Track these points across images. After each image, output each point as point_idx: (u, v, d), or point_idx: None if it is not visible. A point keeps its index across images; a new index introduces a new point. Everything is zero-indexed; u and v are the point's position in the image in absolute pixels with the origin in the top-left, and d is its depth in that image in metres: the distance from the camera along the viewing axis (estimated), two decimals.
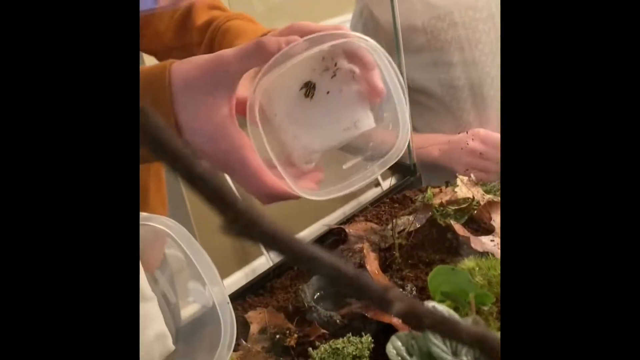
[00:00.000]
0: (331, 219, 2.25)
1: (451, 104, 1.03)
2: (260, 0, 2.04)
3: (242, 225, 0.16)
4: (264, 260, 2.00)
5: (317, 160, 0.54)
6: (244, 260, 2.03)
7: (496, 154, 0.89)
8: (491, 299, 0.46)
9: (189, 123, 0.45)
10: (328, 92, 0.51)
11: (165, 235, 0.52)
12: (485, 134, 0.91)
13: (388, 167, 0.55)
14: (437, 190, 0.69)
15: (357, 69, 0.51)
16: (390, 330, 0.51)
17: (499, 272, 0.52)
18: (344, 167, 0.56)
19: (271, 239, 0.17)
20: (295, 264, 0.16)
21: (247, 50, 0.45)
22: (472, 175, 0.66)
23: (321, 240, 0.70)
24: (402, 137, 0.53)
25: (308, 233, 2.22)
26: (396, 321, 0.51)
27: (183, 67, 0.46)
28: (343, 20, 2.17)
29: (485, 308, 0.46)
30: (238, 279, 2.05)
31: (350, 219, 0.73)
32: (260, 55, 0.45)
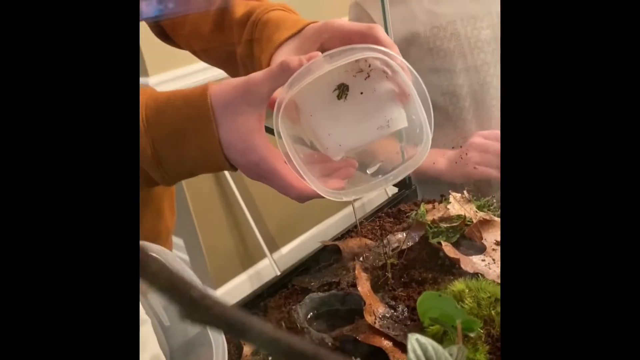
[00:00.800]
0: (334, 220, 2.26)
1: (453, 113, 1.02)
2: None
3: (199, 313, 0.17)
4: (267, 263, 2.01)
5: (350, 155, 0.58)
6: (247, 262, 2.04)
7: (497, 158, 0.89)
8: (479, 324, 0.47)
9: (226, 138, 0.51)
10: (362, 93, 0.54)
11: None
12: (480, 143, 0.90)
13: (412, 170, 0.57)
14: (430, 206, 0.69)
15: (389, 71, 0.54)
16: (381, 353, 0.51)
17: (489, 293, 0.52)
18: (368, 171, 0.60)
19: (226, 324, 0.17)
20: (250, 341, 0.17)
21: (273, 72, 0.51)
22: (465, 192, 0.66)
23: (316, 256, 0.70)
24: (426, 140, 0.55)
25: (315, 232, 2.23)
26: (386, 344, 0.52)
27: (221, 91, 0.52)
28: None
29: (472, 335, 0.46)
30: (242, 281, 2.06)
31: (345, 234, 0.74)
32: (285, 75, 0.51)
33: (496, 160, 0.87)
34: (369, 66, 0.54)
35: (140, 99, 0.52)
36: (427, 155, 0.55)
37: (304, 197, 0.54)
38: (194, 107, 0.51)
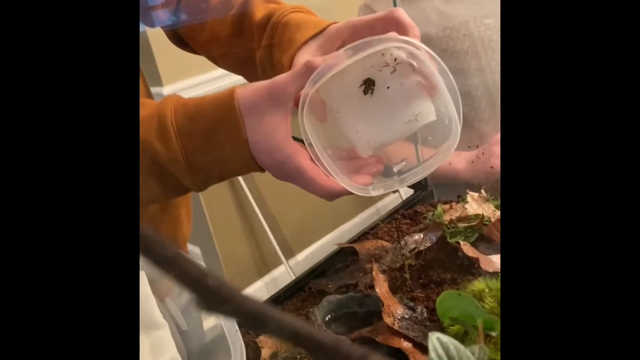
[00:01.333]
0: (350, 226, 2.25)
1: (469, 115, 1.01)
2: None
3: (214, 302, 0.16)
4: (283, 269, 2.01)
5: (379, 152, 0.57)
6: (264, 269, 2.04)
7: None
8: (499, 324, 0.46)
9: (253, 139, 0.52)
10: (388, 87, 0.53)
11: None
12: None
13: (441, 162, 0.56)
14: (447, 206, 0.68)
15: (415, 63, 0.53)
16: (400, 355, 0.50)
17: None
18: (395, 169, 0.59)
19: (244, 315, 0.17)
20: (267, 332, 0.16)
21: (298, 72, 0.52)
22: (482, 190, 0.65)
23: (332, 259, 0.70)
24: (455, 132, 0.54)
25: (331, 238, 2.22)
26: (406, 346, 0.51)
27: (247, 92, 0.52)
28: None
29: (494, 334, 0.45)
30: (258, 288, 2.06)
31: (361, 237, 0.73)
32: (310, 75, 0.51)
33: None
34: (395, 60, 0.53)
35: (167, 106, 0.53)
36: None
37: (332, 194, 0.54)
38: (222, 109, 0.52)
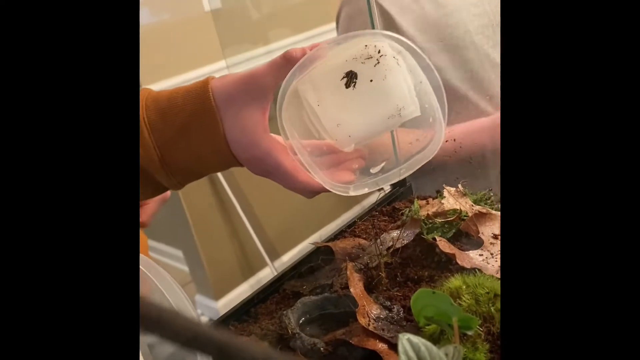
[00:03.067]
0: (335, 225, 2.23)
1: (475, 98, 1.01)
2: (256, 8, 2.03)
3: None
4: (269, 272, 1.98)
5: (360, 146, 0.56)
6: (249, 271, 2.02)
7: None
8: (476, 322, 0.44)
9: (230, 133, 0.50)
10: (371, 81, 0.51)
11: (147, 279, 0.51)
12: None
13: (427, 160, 0.55)
14: (424, 202, 0.66)
15: (399, 57, 0.52)
16: (375, 357, 0.48)
17: (487, 289, 0.49)
18: (372, 170, 0.57)
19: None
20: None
21: (277, 63, 0.50)
22: (460, 185, 0.64)
23: (309, 258, 0.68)
24: (439, 128, 0.53)
25: (317, 238, 2.20)
26: (381, 347, 0.49)
27: (223, 84, 0.50)
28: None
29: (470, 333, 0.44)
30: (244, 290, 2.03)
31: (338, 235, 0.71)
32: (289, 65, 0.49)
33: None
34: (379, 52, 0.51)
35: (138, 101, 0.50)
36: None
37: (312, 191, 0.52)
38: (196, 102, 0.50)
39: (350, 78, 0.52)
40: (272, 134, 0.52)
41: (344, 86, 0.51)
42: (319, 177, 0.51)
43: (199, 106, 0.49)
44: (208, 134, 0.50)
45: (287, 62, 0.49)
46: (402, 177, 0.56)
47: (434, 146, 0.53)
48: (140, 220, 0.85)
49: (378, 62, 0.51)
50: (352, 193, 0.53)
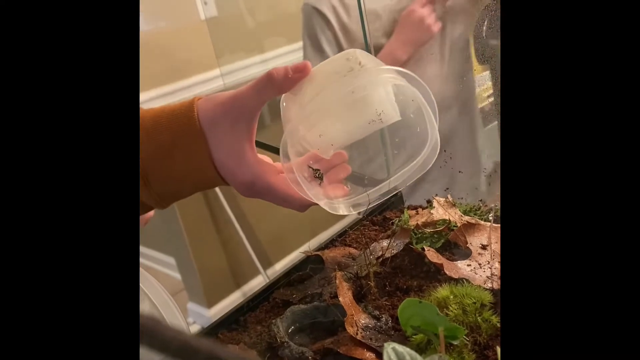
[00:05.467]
0: (329, 234, 2.23)
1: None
2: (251, 16, 2.03)
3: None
4: (262, 280, 1.98)
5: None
6: (241, 280, 2.01)
7: None
8: (462, 332, 0.44)
9: (217, 158, 0.49)
10: (353, 92, 0.51)
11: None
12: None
13: (421, 173, 0.55)
14: (413, 212, 0.67)
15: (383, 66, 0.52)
16: None
17: (474, 299, 0.50)
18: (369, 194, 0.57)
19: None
20: None
21: (259, 84, 0.49)
22: (449, 196, 0.64)
23: (299, 267, 0.68)
24: (431, 144, 0.53)
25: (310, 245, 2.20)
26: (369, 356, 0.49)
27: (208, 106, 0.50)
28: None
29: (456, 342, 0.44)
30: (237, 298, 2.03)
31: (329, 244, 0.72)
32: (272, 86, 0.49)
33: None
34: (360, 63, 0.51)
35: None
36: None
37: (305, 206, 0.53)
38: (181, 122, 0.49)
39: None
40: (258, 154, 0.52)
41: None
42: (315, 197, 0.51)
43: (184, 126, 0.49)
44: (192, 153, 0.49)
45: (270, 83, 0.49)
46: (393, 193, 0.57)
47: (430, 158, 0.54)
48: None
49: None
50: (340, 212, 0.54)
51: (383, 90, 0.53)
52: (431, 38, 1.04)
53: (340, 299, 0.54)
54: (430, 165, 0.54)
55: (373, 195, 0.56)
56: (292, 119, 0.53)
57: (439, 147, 0.54)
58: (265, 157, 0.54)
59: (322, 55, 1.14)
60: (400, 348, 0.36)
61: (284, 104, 0.54)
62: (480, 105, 1.09)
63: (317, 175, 0.55)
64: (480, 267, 0.55)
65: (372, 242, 0.66)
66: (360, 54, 0.52)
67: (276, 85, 0.49)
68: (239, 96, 0.50)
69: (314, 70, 0.51)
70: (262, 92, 0.49)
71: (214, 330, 0.59)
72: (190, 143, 0.49)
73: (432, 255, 0.55)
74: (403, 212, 0.71)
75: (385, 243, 0.64)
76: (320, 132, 0.53)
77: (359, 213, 0.58)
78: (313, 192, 0.51)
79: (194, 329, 1.93)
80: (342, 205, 0.55)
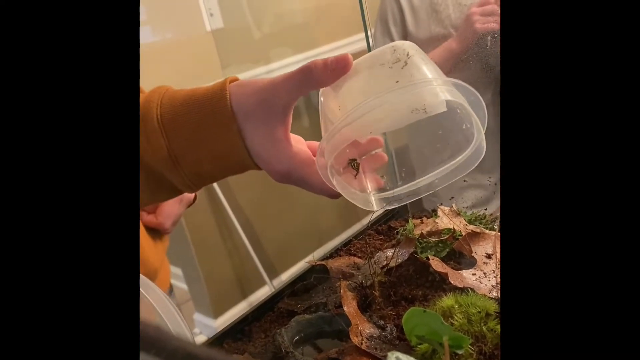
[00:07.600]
0: (335, 243, 2.23)
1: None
2: (258, 27, 2.05)
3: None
4: (268, 290, 1.98)
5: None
6: (248, 290, 2.01)
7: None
8: (467, 341, 0.44)
9: (251, 147, 0.48)
10: (397, 82, 0.48)
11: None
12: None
13: (454, 179, 0.53)
14: (418, 221, 0.67)
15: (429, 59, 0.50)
16: None
17: (479, 308, 0.50)
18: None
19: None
20: None
21: (296, 77, 0.47)
22: (454, 205, 0.64)
23: (303, 276, 0.68)
24: (475, 143, 0.51)
25: (316, 256, 2.19)
26: None
27: (242, 96, 0.48)
28: (338, 46, 2.18)
29: (461, 352, 0.44)
30: (243, 308, 2.02)
31: (334, 254, 0.72)
32: (309, 81, 0.47)
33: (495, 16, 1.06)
34: (407, 54, 0.49)
35: (152, 98, 0.49)
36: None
37: (337, 195, 0.51)
38: (213, 101, 0.48)
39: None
40: (293, 135, 0.51)
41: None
42: (351, 196, 0.50)
43: (215, 106, 0.47)
44: (224, 134, 0.48)
45: (306, 77, 0.47)
46: (431, 190, 0.54)
47: (472, 160, 0.52)
48: (159, 222, 0.82)
49: (406, 64, 0.49)
50: (376, 207, 0.52)
51: (429, 75, 0.49)
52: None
53: (345, 308, 0.54)
54: (473, 168, 0.52)
55: (408, 190, 0.54)
56: (331, 118, 0.50)
57: (484, 151, 0.51)
58: (297, 138, 0.52)
59: (389, 36, 1.23)
60: (404, 357, 0.36)
61: (322, 98, 0.52)
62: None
63: (353, 166, 0.53)
64: (485, 276, 0.55)
65: (377, 252, 0.66)
66: (409, 46, 0.50)
67: (314, 80, 0.47)
68: (273, 88, 0.47)
69: (356, 62, 0.49)
70: (298, 87, 0.47)
71: (219, 340, 0.59)
72: (222, 123, 0.47)
73: (437, 264, 0.54)
74: (408, 221, 0.71)
75: (390, 252, 0.64)
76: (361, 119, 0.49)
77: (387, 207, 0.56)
78: (346, 190, 0.50)
79: (200, 339, 1.93)
80: (376, 200, 0.53)
